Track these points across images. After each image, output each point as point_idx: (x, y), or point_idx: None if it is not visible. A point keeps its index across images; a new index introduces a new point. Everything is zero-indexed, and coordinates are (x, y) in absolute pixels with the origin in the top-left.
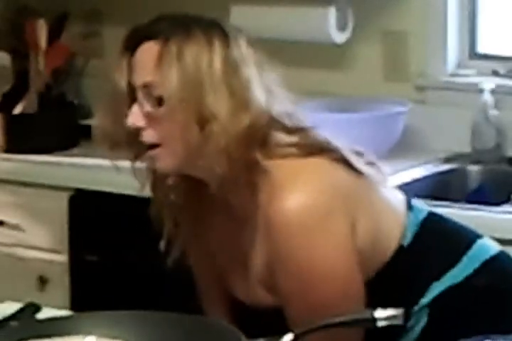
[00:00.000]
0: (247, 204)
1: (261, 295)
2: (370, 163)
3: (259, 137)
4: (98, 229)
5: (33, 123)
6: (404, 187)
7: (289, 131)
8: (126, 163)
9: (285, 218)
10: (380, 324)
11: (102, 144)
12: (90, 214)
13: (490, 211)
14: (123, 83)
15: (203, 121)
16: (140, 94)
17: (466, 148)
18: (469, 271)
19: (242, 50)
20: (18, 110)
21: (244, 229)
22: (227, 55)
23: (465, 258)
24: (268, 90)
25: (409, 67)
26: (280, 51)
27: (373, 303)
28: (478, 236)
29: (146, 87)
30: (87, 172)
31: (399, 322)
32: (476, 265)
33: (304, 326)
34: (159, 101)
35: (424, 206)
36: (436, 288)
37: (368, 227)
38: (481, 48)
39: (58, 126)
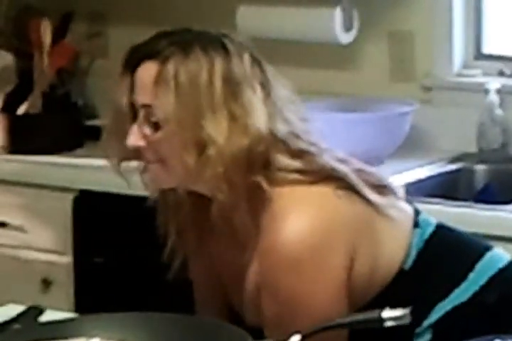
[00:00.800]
0: (247, 228)
1: (252, 315)
2: (379, 186)
3: (259, 161)
4: (102, 230)
5: (37, 124)
6: (411, 187)
7: (294, 154)
8: (130, 164)
9: (278, 250)
10: (388, 324)
11: (111, 159)
12: (95, 216)
13: (497, 210)
14: (124, 102)
15: (201, 145)
16: (140, 115)
17: (473, 148)
18: (476, 288)
19: (246, 68)
20: (22, 110)
21: (244, 249)
22: (228, 75)
23: (471, 275)
24: (273, 110)
25: (415, 68)
26: (286, 51)
27: None
28: (488, 249)
29: (146, 108)
30: (92, 173)
31: (406, 322)
32: (483, 281)
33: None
34: (157, 125)
35: (432, 219)
36: (441, 309)
37: (367, 258)
38: (487, 48)
39: (62, 127)
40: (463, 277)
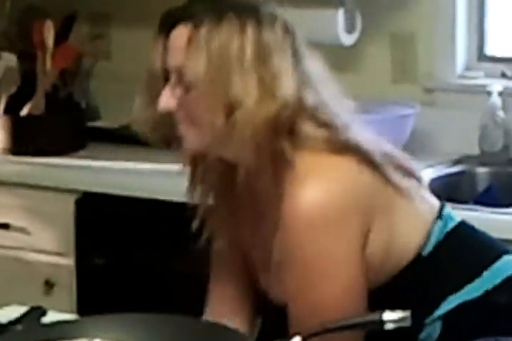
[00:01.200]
0: (270, 195)
1: (277, 291)
2: (405, 170)
3: (286, 127)
4: (105, 231)
5: (40, 125)
6: None
7: (320, 124)
8: (133, 165)
9: (296, 214)
10: (388, 326)
11: (141, 128)
12: (97, 217)
13: (498, 212)
14: (157, 65)
15: (230, 108)
16: (172, 77)
17: (474, 150)
18: (489, 286)
19: (277, 37)
20: (25, 111)
21: (266, 220)
22: (259, 41)
23: (486, 274)
24: (303, 79)
25: (417, 69)
26: None
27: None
28: (507, 252)
29: (178, 70)
30: (94, 175)
31: (406, 324)
32: (497, 281)
33: (302, 327)
34: (188, 86)
35: (456, 215)
36: (452, 302)
37: (383, 234)
38: (489, 50)
39: (65, 128)
40: (477, 274)
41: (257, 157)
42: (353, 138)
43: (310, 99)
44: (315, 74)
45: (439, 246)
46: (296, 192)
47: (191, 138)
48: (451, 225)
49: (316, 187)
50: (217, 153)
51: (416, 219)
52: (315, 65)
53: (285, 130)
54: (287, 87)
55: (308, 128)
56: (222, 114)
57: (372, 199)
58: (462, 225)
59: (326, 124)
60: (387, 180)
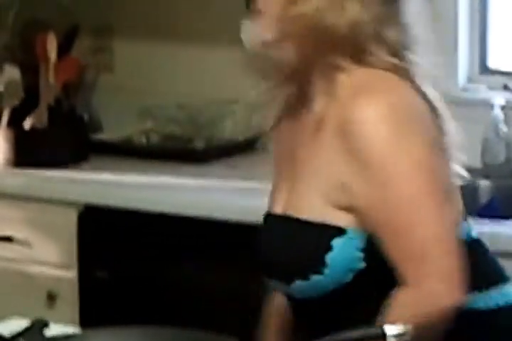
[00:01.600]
0: (325, 101)
1: (306, 207)
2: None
3: (347, 47)
4: (107, 244)
5: (42, 138)
6: None
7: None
8: (135, 177)
9: (366, 114)
10: (390, 340)
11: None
12: (100, 230)
13: (501, 225)
14: None
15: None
16: None
17: (477, 163)
18: (492, 304)
19: None
20: (27, 124)
21: (316, 136)
22: None
23: (493, 291)
24: (392, 16)
25: None
26: None
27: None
28: None
29: None
30: (97, 188)
31: (407, 338)
32: (501, 303)
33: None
34: None
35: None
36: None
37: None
38: (492, 63)
39: (68, 141)
40: (485, 286)
41: (313, 51)
42: (423, 84)
43: (392, 35)
44: (412, 23)
45: (466, 242)
46: (360, 98)
47: (259, 26)
48: (473, 235)
49: (384, 92)
50: (281, 49)
51: (457, 194)
52: (417, 17)
53: (346, 49)
54: (353, 10)
55: (379, 53)
56: (285, 4)
57: (433, 133)
58: (481, 242)
59: (399, 60)
60: (443, 132)
